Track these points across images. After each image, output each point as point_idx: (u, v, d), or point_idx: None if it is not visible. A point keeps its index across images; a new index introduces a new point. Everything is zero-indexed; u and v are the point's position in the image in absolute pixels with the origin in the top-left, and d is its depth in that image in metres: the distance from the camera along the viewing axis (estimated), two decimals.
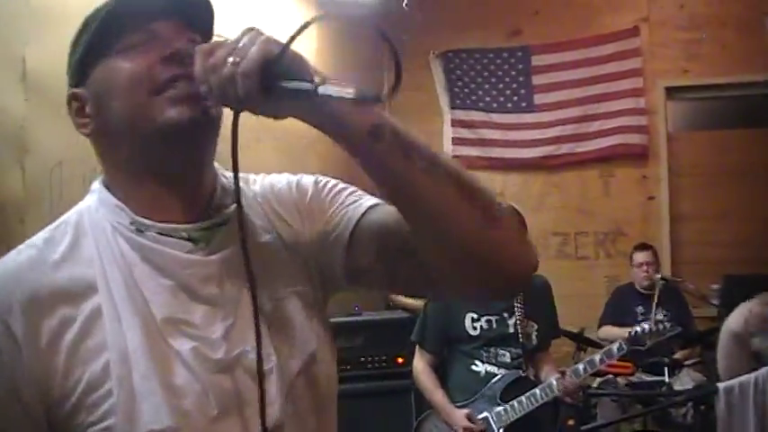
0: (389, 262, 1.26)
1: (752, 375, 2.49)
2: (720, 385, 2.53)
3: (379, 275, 1.32)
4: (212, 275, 1.20)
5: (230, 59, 1.03)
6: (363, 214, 1.30)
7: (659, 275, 5.89)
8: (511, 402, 3.63)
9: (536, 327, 3.82)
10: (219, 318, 1.18)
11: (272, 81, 1.03)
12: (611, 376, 5.31)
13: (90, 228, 1.19)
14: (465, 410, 3.65)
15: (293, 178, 1.39)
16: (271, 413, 1.15)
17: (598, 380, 5.44)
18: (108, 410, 1.08)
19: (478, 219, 1.15)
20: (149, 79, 1.16)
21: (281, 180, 1.39)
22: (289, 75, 1.05)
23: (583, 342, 5.64)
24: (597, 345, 5.66)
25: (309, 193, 1.36)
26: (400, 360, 4.63)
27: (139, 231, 1.18)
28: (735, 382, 2.51)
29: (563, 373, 3.64)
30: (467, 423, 3.61)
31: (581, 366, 3.64)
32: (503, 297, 2.99)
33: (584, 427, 3.28)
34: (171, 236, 1.19)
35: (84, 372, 1.09)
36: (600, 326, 6.05)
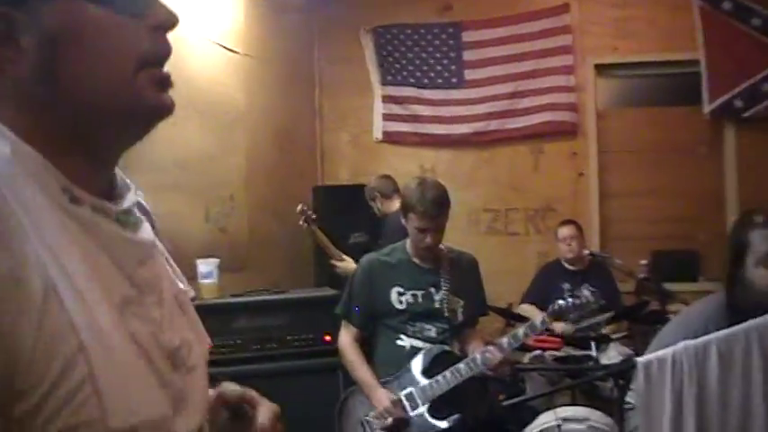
0: None
1: (669, 350, 2.48)
2: (639, 360, 2.52)
3: None
4: (143, 260, 1.10)
5: None
6: None
7: (587, 251, 5.93)
8: (435, 377, 3.60)
9: (462, 303, 3.78)
10: (155, 304, 1.10)
11: None
12: (539, 351, 5.32)
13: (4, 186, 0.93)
14: (391, 396, 3.60)
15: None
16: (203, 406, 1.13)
17: (528, 355, 5.45)
18: (85, 400, 0.91)
19: None
20: (139, 51, 1.03)
21: None
22: None
23: (511, 317, 5.66)
24: (526, 320, 5.67)
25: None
26: (327, 338, 4.56)
27: (72, 202, 1.01)
28: (653, 356, 2.51)
29: (489, 346, 3.61)
30: (389, 405, 3.57)
31: (505, 340, 3.61)
32: None
33: (511, 401, 3.25)
34: (104, 213, 1.05)
35: (53, 356, 0.89)
36: (521, 302, 6.07)
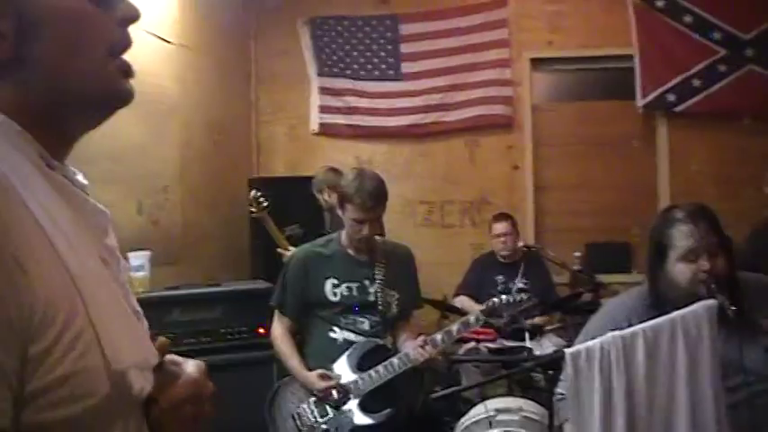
0: None
1: (597, 341, 2.51)
2: (567, 351, 2.54)
3: None
4: (106, 230, 1.23)
5: None
6: None
7: (521, 244, 5.97)
8: (368, 371, 3.58)
9: (396, 296, 3.77)
10: (118, 271, 1.22)
11: None
12: (473, 343, 5.35)
13: None
14: (319, 371, 3.59)
15: None
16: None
17: (463, 347, 5.48)
18: (88, 344, 1.00)
19: None
20: (110, 40, 1.13)
21: None
22: None
23: (446, 310, 5.67)
24: (461, 312, 5.71)
25: None
26: (261, 330, 4.53)
27: (49, 167, 1.10)
28: (582, 347, 2.53)
29: (422, 342, 3.60)
30: (322, 384, 3.56)
31: (438, 336, 3.60)
32: None
33: (441, 393, 3.25)
34: (72, 182, 1.17)
35: (60, 303, 0.98)
36: (456, 294, 6.10)
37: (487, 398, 4.39)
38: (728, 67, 6.81)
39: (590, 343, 2.53)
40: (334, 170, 5.87)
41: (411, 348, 3.55)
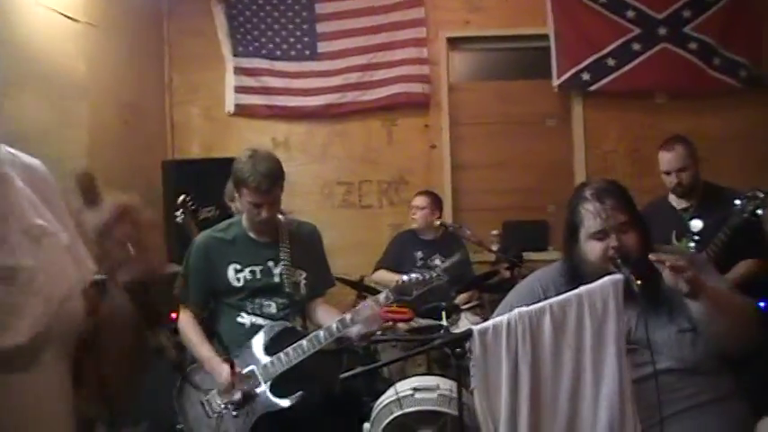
0: None
1: (504, 317, 2.51)
2: (474, 328, 2.54)
3: None
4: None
5: None
6: None
7: (438, 221, 5.98)
8: (277, 355, 3.53)
9: (304, 275, 3.72)
10: None
11: None
12: (390, 323, 5.34)
13: None
14: (226, 365, 3.52)
15: None
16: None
17: (382, 327, 5.46)
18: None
19: None
20: None
21: None
22: None
23: (363, 290, 5.65)
24: (377, 292, 5.69)
25: None
26: (174, 315, 4.43)
27: None
28: (489, 324, 2.53)
29: (332, 320, 3.55)
30: (228, 377, 3.49)
31: (348, 315, 3.55)
32: None
33: (353, 371, 3.22)
34: None
35: None
36: (375, 269, 6.08)
37: (407, 377, 4.39)
38: (642, 45, 6.90)
39: (497, 319, 2.53)
40: None
41: (321, 331, 3.51)
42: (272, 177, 3.50)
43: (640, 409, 2.46)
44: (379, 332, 5.37)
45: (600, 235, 2.65)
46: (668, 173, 4.58)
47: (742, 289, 3.98)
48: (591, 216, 2.66)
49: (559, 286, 2.77)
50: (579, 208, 2.71)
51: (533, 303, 2.55)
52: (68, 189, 1.44)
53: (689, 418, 2.52)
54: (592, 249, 2.68)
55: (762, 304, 4.55)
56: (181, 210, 5.22)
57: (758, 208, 3.90)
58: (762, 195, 3.95)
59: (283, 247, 3.67)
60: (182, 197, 5.26)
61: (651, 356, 2.46)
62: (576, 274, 2.75)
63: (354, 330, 3.55)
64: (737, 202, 3.98)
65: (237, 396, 3.47)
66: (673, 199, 4.65)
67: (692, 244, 4.25)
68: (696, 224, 4.39)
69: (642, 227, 2.73)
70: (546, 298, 2.60)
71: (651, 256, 2.49)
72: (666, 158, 4.58)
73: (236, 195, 3.66)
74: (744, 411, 2.62)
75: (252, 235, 3.69)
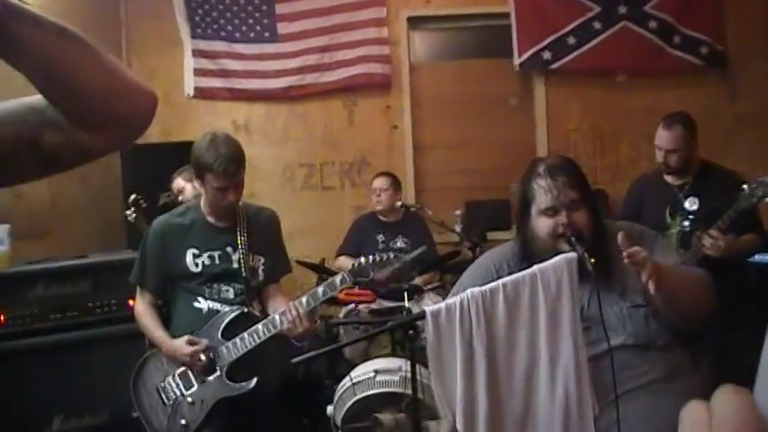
0: (27, 142, 1.24)
1: (457, 298, 2.50)
2: (427, 309, 2.53)
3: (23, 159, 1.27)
4: None
5: None
6: None
7: (400, 203, 5.95)
8: (233, 340, 3.49)
9: (262, 260, 3.69)
10: None
11: None
12: (353, 305, 5.33)
13: None
14: (185, 337, 3.49)
15: None
16: None
17: (343, 310, 5.45)
18: None
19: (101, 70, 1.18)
20: None
21: None
22: None
23: (323, 272, 5.61)
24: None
25: None
26: (132, 302, 4.39)
27: None
28: (442, 305, 2.52)
29: (289, 305, 3.51)
30: (189, 348, 3.46)
31: (304, 299, 3.50)
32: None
33: (305, 355, 3.18)
34: None
35: None
36: (337, 255, 6.06)
37: (370, 359, 4.38)
38: (602, 24, 6.92)
39: (450, 300, 2.53)
40: None
41: (277, 314, 3.47)
42: (237, 160, 3.44)
43: (596, 387, 2.47)
44: (341, 315, 5.38)
45: (550, 211, 2.64)
46: (659, 149, 4.53)
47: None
48: (542, 192, 2.65)
49: (513, 265, 2.77)
50: (532, 184, 2.70)
51: (487, 283, 2.54)
52: None
53: (644, 395, 2.53)
54: (542, 226, 2.67)
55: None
56: (132, 208, 5.13)
57: (766, 195, 3.90)
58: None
59: (242, 232, 3.62)
60: (132, 196, 5.16)
61: (605, 333, 2.45)
62: (529, 251, 2.74)
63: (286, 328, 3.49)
64: (745, 186, 3.95)
65: (202, 361, 3.45)
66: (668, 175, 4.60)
67: (687, 223, 4.25)
68: (692, 201, 4.38)
69: (593, 205, 2.72)
70: (499, 277, 2.60)
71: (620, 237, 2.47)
72: (662, 136, 4.49)
73: (197, 182, 3.59)
74: (698, 387, 2.62)
75: (210, 220, 3.64)
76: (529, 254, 2.72)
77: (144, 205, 5.16)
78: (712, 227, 4.00)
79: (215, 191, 3.48)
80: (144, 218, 5.14)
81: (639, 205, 4.66)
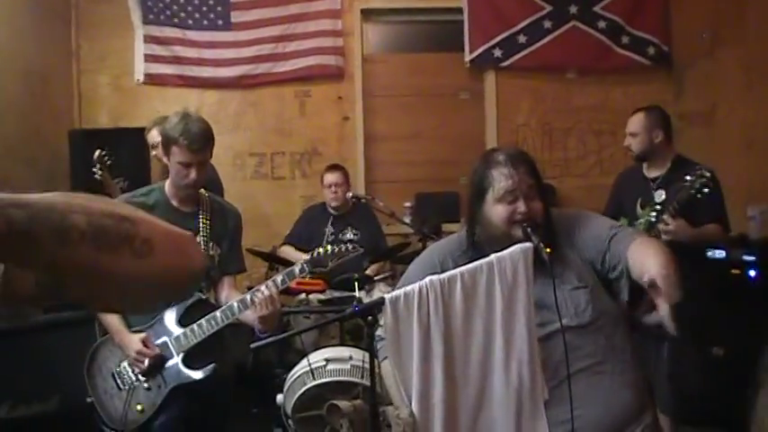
0: None
1: (416, 285, 2.53)
2: (386, 296, 2.56)
3: None
4: None
5: None
6: None
7: (350, 195, 5.96)
8: (191, 326, 3.48)
9: (220, 251, 3.68)
10: None
11: None
12: (304, 295, 5.34)
13: None
14: (140, 335, 3.47)
15: None
16: None
17: (295, 299, 5.46)
18: None
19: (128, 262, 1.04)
20: None
21: None
22: None
23: (274, 261, 5.62)
24: (288, 263, 5.67)
25: None
26: None
27: None
28: (400, 292, 2.55)
29: (246, 294, 3.51)
30: (140, 347, 3.43)
31: (263, 287, 3.50)
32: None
33: (271, 339, 3.18)
34: None
35: None
36: (282, 243, 6.05)
37: (319, 348, 4.41)
38: (553, 23, 7.04)
39: (408, 288, 2.55)
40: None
41: (236, 301, 3.46)
42: (204, 138, 3.44)
43: (544, 368, 2.53)
44: (292, 304, 5.39)
45: (509, 198, 2.66)
46: (626, 134, 4.79)
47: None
48: (503, 178, 2.66)
49: (456, 258, 2.77)
50: (490, 171, 2.71)
51: (429, 274, 2.59)
52: None
53: (588, 376, 2.57)
54: (498, 213, 2.68)
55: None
56: (98, 165, 5.06)
57: (704, 187, 4.11)
58: (708, 174, 4.13)
59: (203, 218, 3.61)
60: (98, 152, 5.06)
61: (559, 318, 2.50)
62: (480, 239, 2.76)
63: (248, 316, 3.49)
64: (687, 177, 4.18)
65: (146, 365, 3.43)
66: (646, 168, 4.78)
67: (653, 213, 4.40)
68: (660, 194, 4.57)
69: (545, 195, 2.75)
70: (443, 271, 2.63)
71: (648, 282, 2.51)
72: (629, 120, 4.79)
73: (164, 157, 3.57)
74: (638, 368, 2.70)
75: (174, 203, 3.60)
76: (480, 244, 2.75)
77: (109, 162, 5.09)
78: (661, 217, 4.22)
79: (179, 166, 3.45)
80: (110, 175, 5.09)
81: (620, 197, 4.92)
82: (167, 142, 3.46)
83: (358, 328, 4.98)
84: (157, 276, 1.08)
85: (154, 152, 5.15)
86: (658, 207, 4.43)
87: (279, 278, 3.52)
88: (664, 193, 4.56)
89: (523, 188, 2.66)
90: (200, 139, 3.42)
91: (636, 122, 4.72)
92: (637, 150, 4.71)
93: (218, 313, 3.45)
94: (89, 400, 3.61)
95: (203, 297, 3.58)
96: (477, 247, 2.74)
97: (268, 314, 3.40)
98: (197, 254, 1.21)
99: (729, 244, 5.12)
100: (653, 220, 4.35)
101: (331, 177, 6.03)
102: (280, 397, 4.27)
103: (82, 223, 0.98)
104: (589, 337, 2.62)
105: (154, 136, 5.07)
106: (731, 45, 6.95)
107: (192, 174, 3.46)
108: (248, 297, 3.44)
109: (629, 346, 2.72)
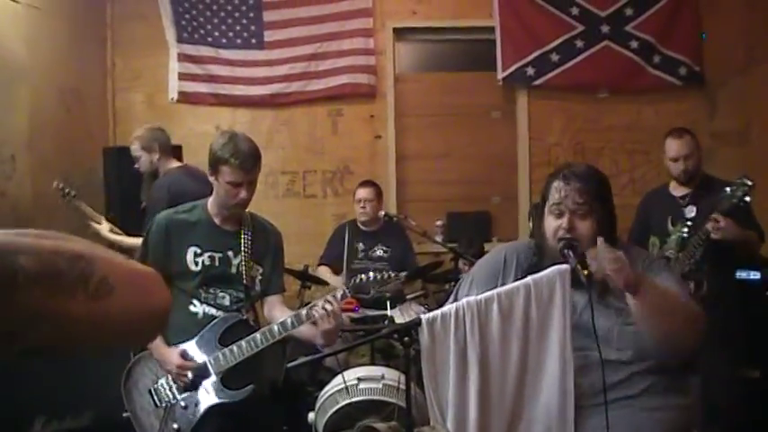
0: None
1: (452, 306, 2.54)
2: (423, 316, 2.56)
3: None
4: None
5: None
6: None
7: (382, 213, 5.97)
8: (230, 347, 3.47)
9: (261, 271, 3.66)
10: None
11: None
12: None
13: None
14: (179, 348, 3.47)
15: None
16: None
17: None
18: None
19: None
20: None
21: None
22: None
23: (307, 279, 5.63)
24: (321, 282, 5.69)
25: None
26: None
27: None
28: (437, 313, 2.56)
29: (292, 315, 3.48)
30: (180, 361, 3.43)
31: (303, 312, 3.47)
32: None
33: (301, 360, 3.18)
34: None
35: None
36: (319, 264, 6.09)
37: (350, 367, 4.39)
38: (585, 42, 7.02)
39: (445, 308, 2.56)
40: (163, 131, 5.50)
41: (276, 325, 3.42)
42: (254, 157, 3.46)
43: (577, 392, 2.52)
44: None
45: (556, 211, 2.67)
46: (676, 159, 4.76)
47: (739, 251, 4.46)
48: (555, 191, 2.68)
49: (523, 259, 2.82)
50: (551, 182, 2.74)
51: (494, 270, 2.65)
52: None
53: (620, 408, 2.55)
54: (548, 224, 2.71)
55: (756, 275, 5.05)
56: (65, 198, 5.20)
57: (746, 195, 4.15)
58: (750, 183, 4.16)
59: (245, 238, 3.60)
60: (55, 183, 5.21)
61: (598, 346, 2.48)
62: (539, 245, 2.80)
63: (306, 331, 3.48)
64: (727, 188, 4.22)
65: (189, 377, 3.43)
66: (673, 187, 4.84)
67: (685, 229, 4.49)
68: (690, 210, 4.63)
69: (604, 219, 2.71)
70: (506, 266, 2.69)
71: (587, 252, 2.53)
72: (675, 145, 4.77)
73: (210, 178, 3.56)
74: (675, 413, 2.65)
75: (216, 221, 3.61)
76: (540, 249, 2.77)
77: (72, 193, 5.21)
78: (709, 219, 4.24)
79: (228, 186, 3.45)
80: (76, 202, 5.22)
81: (647, 218, 4.95)
82: (215, 162, 3.45)
83: (389, 346, 4.98)
84: (117, 319, 1.01)
85: (136, 165, 5.30)
86: (689, 223, 4.45)
87: (339, 293, 3.48)
88: (695, 208, 4.61)
89: (569, 204, 2.65)
90: (250, 158, 3.43)
91: (687, 145, 4.73)
92: (693, 170, 4.72)
93: (258, 335, 3.42)
94: (125, 415, 3.62)
95: (243, 318, 3.58)
96: (541, 254, 2.76)
97: (331, 328, 3.38)
98: (161, 292, 1.13)
99: (764, 264, 5.08)
100: (685, 236, 4.40)
101: (362, 192, 6.06)
102: (311, 415, 4.26)
103: (30, 265, 0.88)
104: (626, 372, 2.59)
105: (135, 149, 5.22)
106: (765, 63, 6.89)
107: (243, 193, 3.47)
108: (303, 312, 3.40)
109: (676, 390, 2.68)
